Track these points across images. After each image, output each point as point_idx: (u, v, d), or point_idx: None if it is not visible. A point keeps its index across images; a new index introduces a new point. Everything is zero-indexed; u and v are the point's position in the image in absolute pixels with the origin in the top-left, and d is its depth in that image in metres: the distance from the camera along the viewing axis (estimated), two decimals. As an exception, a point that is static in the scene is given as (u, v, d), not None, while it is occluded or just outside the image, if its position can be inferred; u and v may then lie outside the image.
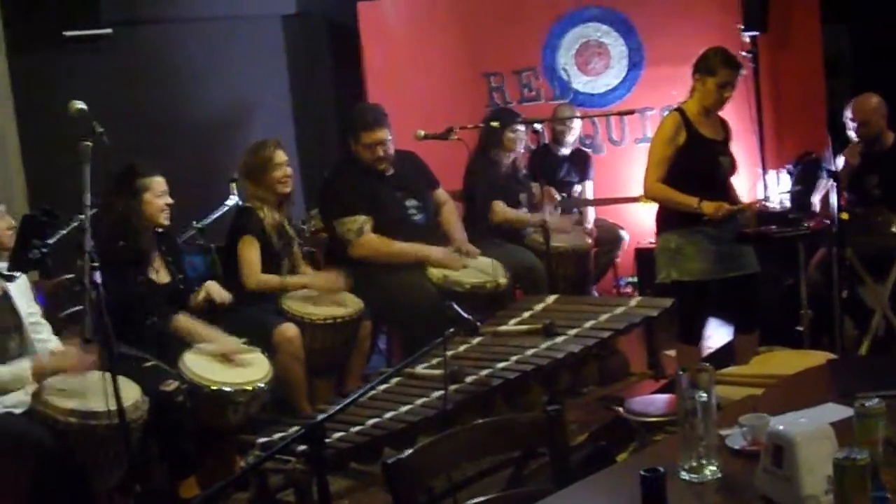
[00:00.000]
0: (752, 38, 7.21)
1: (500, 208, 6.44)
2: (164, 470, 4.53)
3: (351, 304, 5.34)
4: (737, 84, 4.97)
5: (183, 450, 4.54)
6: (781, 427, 2.19)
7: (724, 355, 5.33)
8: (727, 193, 5.07)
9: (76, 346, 4.15)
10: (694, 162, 4.92)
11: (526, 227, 6.54)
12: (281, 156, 5.39)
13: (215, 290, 4.96)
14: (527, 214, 6.57)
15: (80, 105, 3.90)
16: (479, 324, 3.45)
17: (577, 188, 7.17)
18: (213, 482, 4.57)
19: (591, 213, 7.15)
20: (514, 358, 4.14)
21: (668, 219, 5.07)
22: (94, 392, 3.91)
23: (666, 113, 7.28)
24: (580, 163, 7.19)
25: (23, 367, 4.03)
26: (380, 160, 5.67)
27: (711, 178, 4.96)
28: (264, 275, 5.26)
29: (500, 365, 4.09)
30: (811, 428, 2.19)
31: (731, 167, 5.11)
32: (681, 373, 2.36)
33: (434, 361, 4.10)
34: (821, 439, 2.16)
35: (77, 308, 4.99)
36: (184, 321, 4.78)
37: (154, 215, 4.81)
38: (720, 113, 5.10)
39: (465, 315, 3.28)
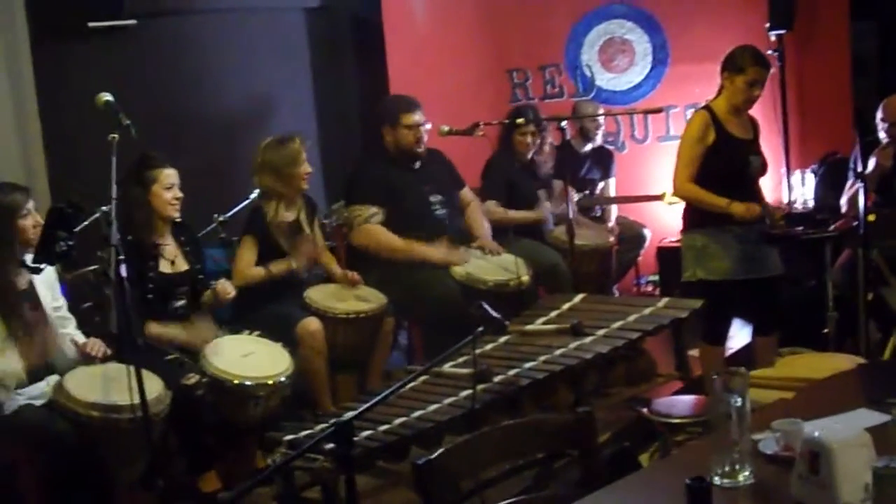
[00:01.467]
0: (779, 36, 7.13)
1: (494, 208, 6.35)
2: (183, 464, 4.54)
3: (374, 300, 5.33)
4: (765, 82, 4.93)
5: (203, 444, 4.55)
6: (818, 433, 2.16)
7: (744, 357, 5.29)
8: (757, 193, 5.03)
9: (84, 348, 4.18)
10: (723, 161, 4.88)
11: (514, 225, 6.42)
12: (303, 152, 5.37)
13: (222, 288, 4.91)
14: (521, 213, 6.47)
15: (108, 97, 3.90)
16: (506, 323, 3.42)
17: (600, 186, 7.14)
18: (234, 476, 4.60)
19: (613, 211, 7.12)
20: (542, 358, 4.11)
21: (694, 217, 5.04)
22: (116, 385, 3.91)
23: (692, 111, 7.33)
24: (603, 160, 7.16)
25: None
26: (419, 142, 5.72)
27: (741, 178, 4.91)
28: (250, 269, 5.25)
29: (528, 365, 4.06)
30: (849, 435, 2.15)
31: (762, 167, 5.07)
32: (715, 377, 2.33)
33: (461, 360, 4.08)
34: (858, 446, 2.12)
35: (90, 303, 5.00)
36: (155, 328, 4.72)
37: (162, 207, 4.75)
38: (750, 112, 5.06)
39: (495, 314, 3.25)
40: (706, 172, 4.89)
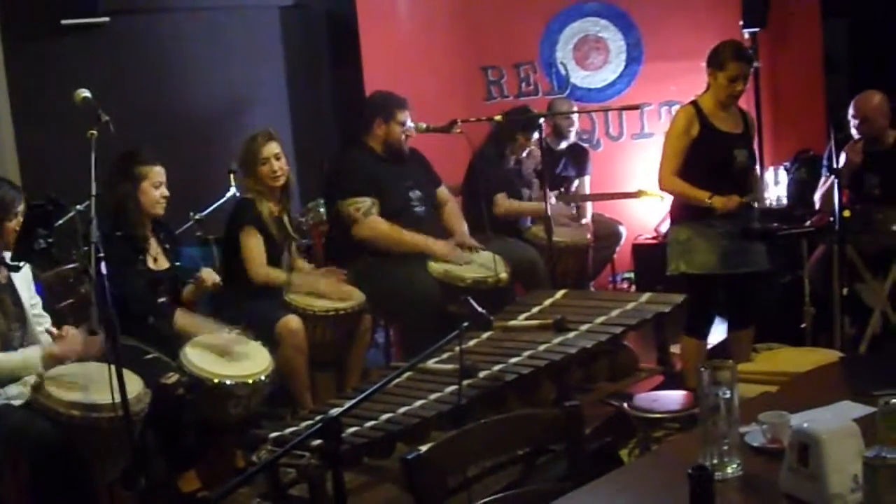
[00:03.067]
0: (752, 34, 7.20)
1: (503, 200, 6.42)
2: (163, 463, 4.51)
3: (353, 297, 5.31)
4: (748, 77, 4.96)
5: (183, 443, 4.51)
6: (806, 425, 2.17)
7: (721, 352, 5.31)
8: (745, 187, 5.05)
9: (60, 335, 4.13)
10: (707, 154, 4.92)
11: (529, 216, 6.52)
12: (271, 148, 5.29)
13: (207, 275, 4.88)
14: (529, 204, 6.57)
15: (86, 94, 3.87)
16: (492, 318, 3.42)
17: (575, 183, 7.15)
18: (213, 476, 4.58)
19: (588, 209, 7.14)
20: (526, 353, 4.10)
21: (680, 211, 5.09)
22: (96, 384, 3.87)
23: (666, 109, 7.39)
24: (578, 158, 7.17)
25: (32, 353, 3.99)
26: (407, 139, 5.74)
27: (726, 171, 4.95)
28: (272, 269, 5.23)
29: (513, 360, 4.05)
30: (837, 426, 2.17)
31: (751, 160, 5.10)
32: (703, 369, 2.34)
33: (445, 356, 4.07)
34: (847, 437, 2.14)
35: (70, 301, 4.97)
36: (182, 318, 4.74)
37: (150, 205, 4.73)
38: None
39: (480, 310, 3.25)
40: (692, 166, 4.93)
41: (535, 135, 6.42)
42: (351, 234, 5.55)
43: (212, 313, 5.05)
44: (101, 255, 3.51)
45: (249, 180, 5.36)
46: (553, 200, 6.17)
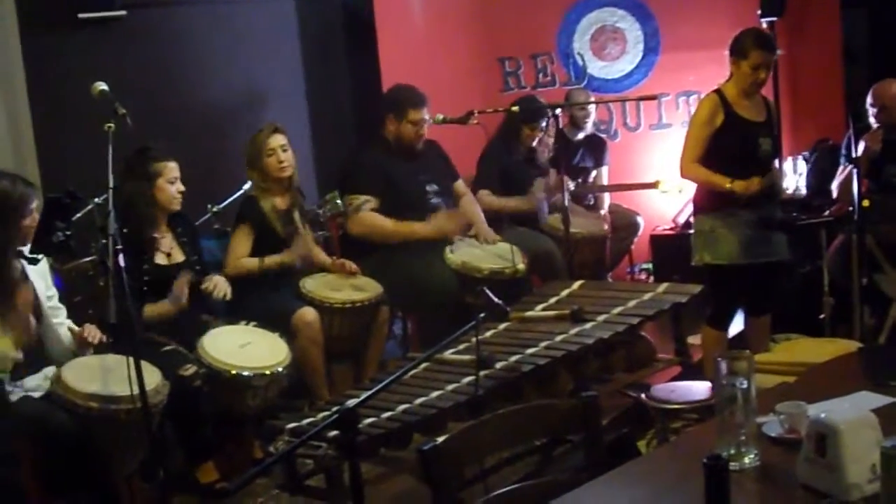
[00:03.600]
0: (770, 23, 7.15)
1: (483, 196, 6.33)
2: (181, 455, 4.53)
3: (370, 289, 5.32)
4: (771, 65, 4.94)
5: (201, 434, 4.54)
6: (824, 415, 2.16)
7: (738, 343, 5.28)
8: (771, 175, 5.03)
9: (81, 334, 4.18)
10: (732, 143, 4.90)
11: (510, 213, 6.43)
12: (276, 140, 5.31)
13: (219, 283, 4.90)
14: (508, 200, 6.42)
15: (103, 87, 3.90)
16: (508, 309, 3.41)
17: (593, 174, 7.13)
18: (232, 467, 4.60)
19: (606, 200, 7.12)
20: (543, 344, 4.09)
21: (704, 201, 5.07)
22: (114, 375, 3.90)
23: (683, 99, 7.36)
24: (595, 148, 7.15)
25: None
26: (420, 138, 5.76)
27: (752, 159, 4.92)
28: (243, 259, 5.23)
29: (530, 350, 4.04)
30: (855, 416, 2.16)
31: (775, 149, 5.08)
32: (719, 360, 2.33)
33: (462, 347, 4.07)
34: (865, 427, 2.13)
35: (86, 294, 4.98)
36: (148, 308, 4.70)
37: (167, 201, 4.78)
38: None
39: (497, 300, 3.24)
40: (717, 154, 4.91)
41: (544, 124, 6.44)
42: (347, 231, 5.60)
43: (229, 306, 5.06)
44: (119, 247, 3.53)
45: (255, 174, 5.38)
46: (571, 187, 6.15)
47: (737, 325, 5.44)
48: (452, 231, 5.65)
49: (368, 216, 5.60)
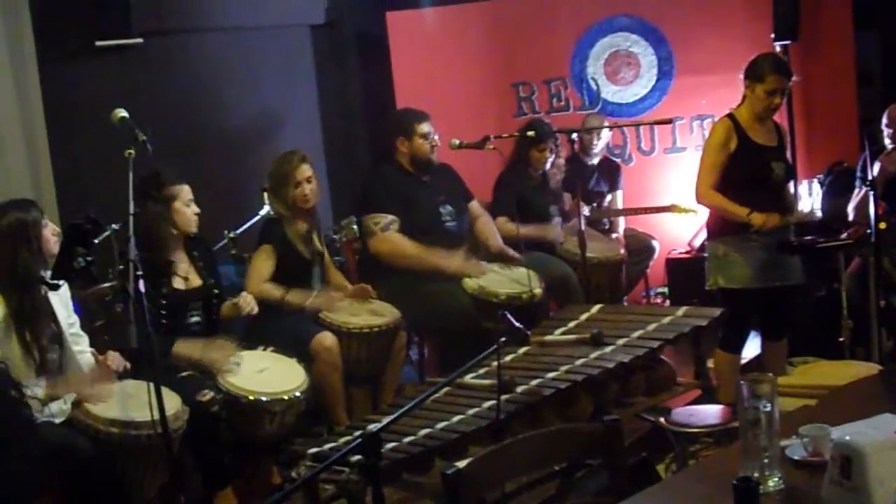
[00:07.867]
0: (784, 46, 7.17)
1: (502, 224, 6.27)
2: (199, 481, 4.52)
3: (388, 314, 5.31)
4: (786, 91, 4.94)
5: (219, 461, 4.52)
6: (849, 437, 2.16)
7: (755, 367, 5.27)
8: (782, 200, 5.03)
9: (105, 361, 4.16)
10: (746, 168, 4.90)
11: (521, 241, 6.36)
12: (304, 171, 5.30)
13: (249, 299, 4.92)
14: (530, 229, 6.25)
15: (123, 113, 3.93)
16: (528, 333, 3.41)
17: (608, 198, 7.14)
18: (250, 493, 4.58)
19: (621, 224, 7.12)
20: (563, 367, 4.10)
21: (717, 225, 5.06)
22: (134, 401, 3.91)
23: (698, 123, 7.37)
24: (610, 173, 7.16)
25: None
26: (433, 150, 5.76)
27: (764, 185, 4.92)
28: (267, 285, 5.20)
29: (550, 374, 4.05)
30: (881, 439, 2.15)
31: (786, 173, 5.08)
32: (742, 383, 2.33)
33: (482, 371, 4.07)
34: (890, 450, 2.12)
35: (105, 320, 4.99)
36: (182, 347, 4.64)
37: (186, 223, 4.80)
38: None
39: (518, 325, 3.25)
40: (730, 179, 4.90)
41: (553, 145, 6.44)
42: (369, 248, 5.58)
43: (247, 331, 5.07)
44: (140, 273, 3.54)
45: (279, 202, 5.36)
46: (586, 212, 6.15)
47: (753, 348, 5.43)
48: (474, 275, 5.62)
49: (396, 236, 5.59)
